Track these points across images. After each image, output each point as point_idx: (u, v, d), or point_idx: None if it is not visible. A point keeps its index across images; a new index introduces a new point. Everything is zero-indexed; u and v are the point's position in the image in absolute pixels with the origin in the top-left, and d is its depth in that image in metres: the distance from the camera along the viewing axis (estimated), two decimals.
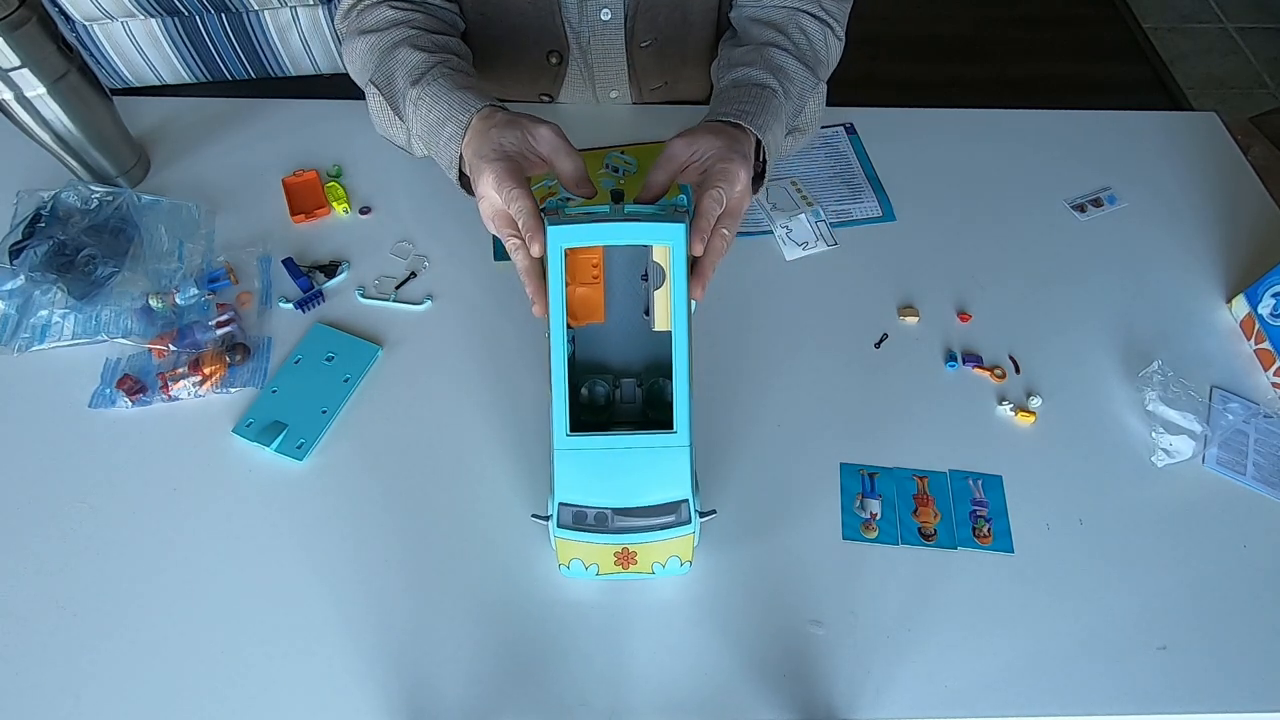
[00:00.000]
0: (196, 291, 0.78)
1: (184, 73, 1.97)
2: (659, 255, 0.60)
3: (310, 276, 0.81)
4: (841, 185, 0.92)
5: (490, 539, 0.67)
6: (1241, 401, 0.78)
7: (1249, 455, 0.74)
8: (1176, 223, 0.91)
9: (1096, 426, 0.76)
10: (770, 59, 0.77)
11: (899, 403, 0.76)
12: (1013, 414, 0.76)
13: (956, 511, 0.70)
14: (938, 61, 2.29)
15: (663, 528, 0.59)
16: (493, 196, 0.63)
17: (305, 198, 0.87)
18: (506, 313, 0.80)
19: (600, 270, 0.63)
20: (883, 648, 0.63)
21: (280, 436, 0.70)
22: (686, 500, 0.59)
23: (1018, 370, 0.79)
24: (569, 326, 0.60)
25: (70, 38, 0.79)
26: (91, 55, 1.87)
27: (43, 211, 0.80)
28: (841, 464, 0.72)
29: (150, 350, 0.75)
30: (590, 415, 0.66)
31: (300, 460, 0.70)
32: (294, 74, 2.02)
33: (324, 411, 0.73)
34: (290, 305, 0.80)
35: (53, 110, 0.79)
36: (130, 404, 0.72)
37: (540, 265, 0.61)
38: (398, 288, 0.82)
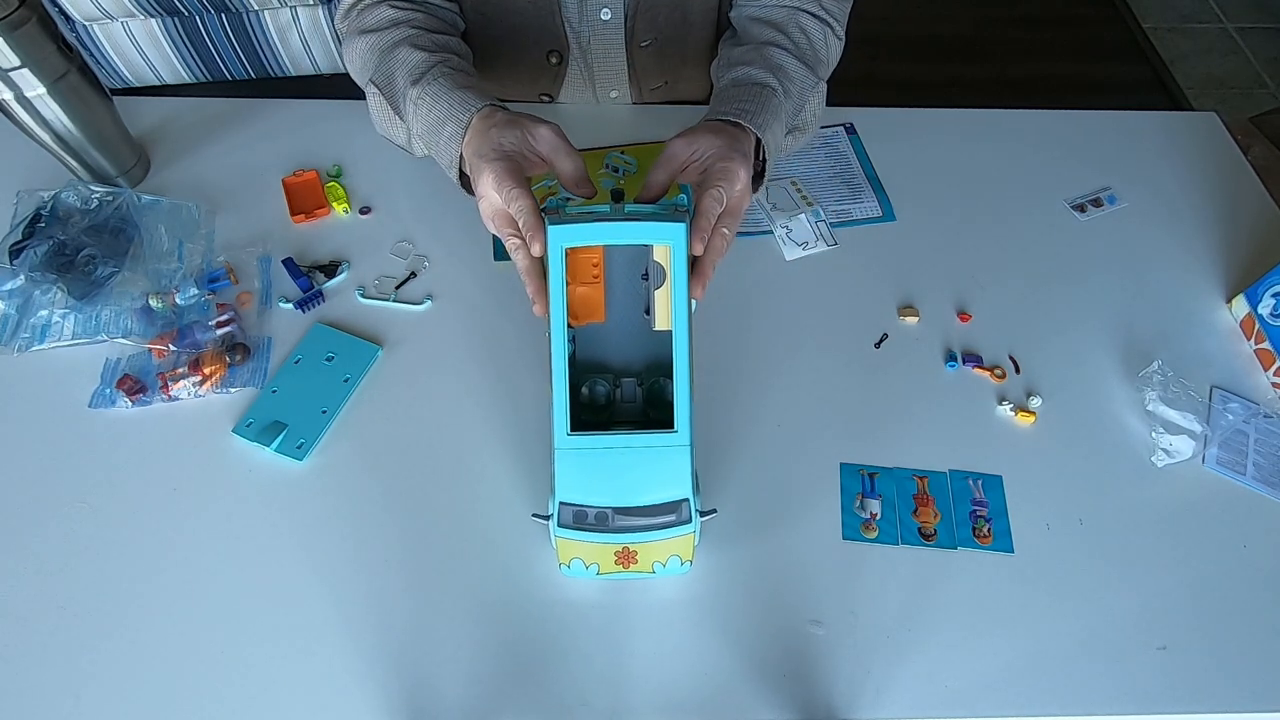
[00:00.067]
0: (196, 291, 0.78)
1: (184, 73, 1.97)
2: (659, 255, 0.60)
3: (310, 276, 0.81)
4: (841, 185, 0.92)
5: (490, 539, 0.67)
6: (1241, 401, 0.78)
7: (1249, 455, 0.74)
8: (1176, 223, 0.91)
9: (1096, 426, 0.76)
10: (770, 58, 0.77)
11: (899, 403, 0.76)
12: (1013, 414, 0.76)
13: (956, 511, 0.70)
14: (938, 61, 2.29)
15: (663, 527, 0.59)
16: (492, 196, 0.63)
17: (305, 198, 0.87)
18: (506, 313, 0.80)
19: (601, 270, 0.63)
20: (883, 648, 0.63)
21: (280, 436, 0.70)
22: (687, 499, 0.59)
23: (1018, 370, 0.79)
24: (569, 326, 0.60)
25: (70, 38, 0.79)
26: (91, 55, 1.87)
27: (43, 211, 0.80)
28: (841, 464, 0.72)
29: (150, 350, 0.75)
30: (591, 415, 0.66)
31: (300, 460, 0.70)
32: (294, 74, 2.02)
33: (324, 411, 0.73)
34: (290, 305, 0.80)
35: (53, 110, 0.79)
36: (130, 404, 0.72)
37: (541, 265, 0.61)
38: (398, 288, 0.82)
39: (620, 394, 0.66)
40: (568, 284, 0.59)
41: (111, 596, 0.63)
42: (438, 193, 0.87)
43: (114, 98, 0.85)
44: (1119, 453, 0.74)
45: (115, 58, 1.89)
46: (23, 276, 0.77)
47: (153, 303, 0.77)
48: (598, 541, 0.60)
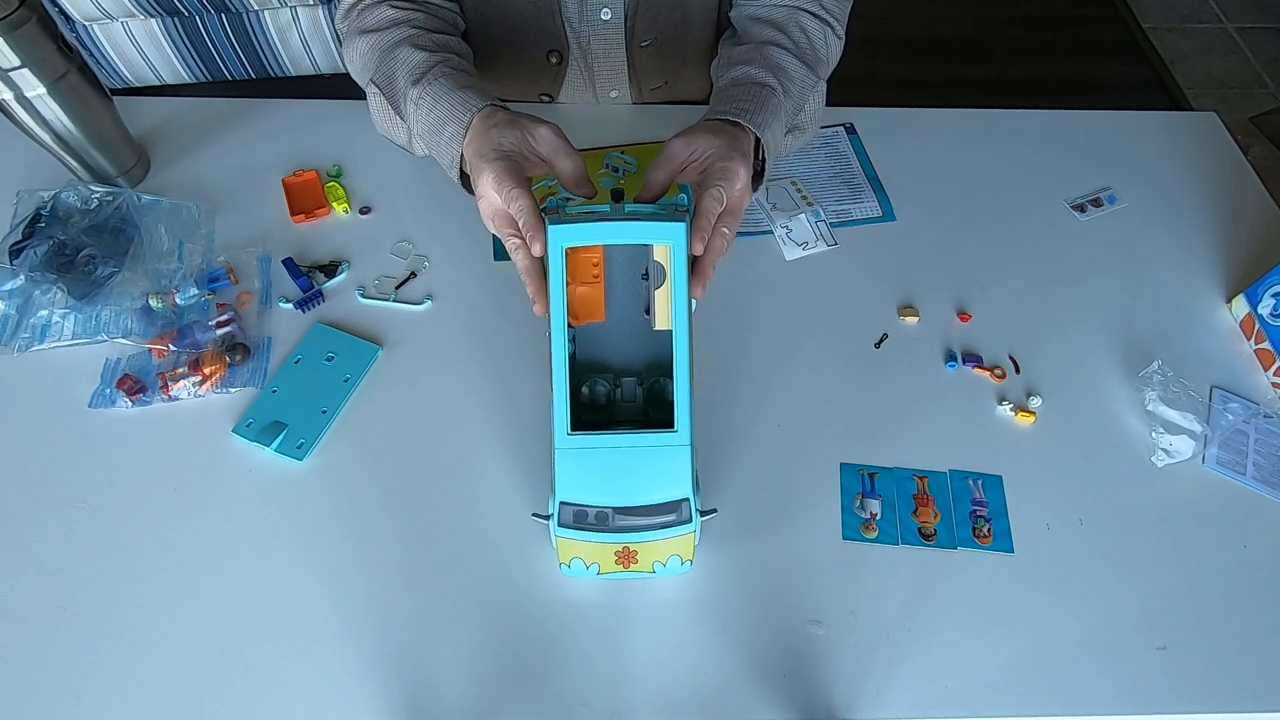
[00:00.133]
0: (196, 291, 0.78)
1: (184, 73, 1.97)
2: (659, 254, 0.60)
3: (310, 276, 0.81)
4: (841, 185, 0.92)
5: (490, 539, 0.67)
6: (1241, 401, 0.78)
7: (1249, 455, 0.74)
8: (1176, 223, 0.91)
9: (1096, 426, 0.76)
10: (770, 58, 0.77)
11: (899, 403, 0.76)
12: (1013, 414, 0.76)
13: (956, 511, 0.70)
14: (938, 61, 2.29)
15: (663, 526, 0.59)
16: (492, 196, 0.63)
17: (305, 198, 0.87)
18: (506, 313, 0.80)
19: (601, 269, 0.63)
20: (883, 648, 0.63)
21: (280, 436, 0.70)
22: (687, 499, 0.59)
23: (1018, 370, 0.79)
24: (570, 326, 0.60)
25: (70, 38, 0.79)
26: (91, 55, 1.87)
27: (43, 211, 0.80)
28: (841, 464, 0.72)
29: (150, 350, 0.75)
30: (591, 414, 0.66)
31: (300, 460, 0.70)
32: (294, 74, 2.02)
33: (324, 411, 0.73)
34: (290, 305, 0.80)
35: (53, 110, 0.79)
36: (130, 404, 0.72)
37: (541, 265, 0.61)
38: (398, 288, 0.82)
39: (620, 394, 0.66)
40: (568, 284, 0.59)
41: (111, 596, 0.63)
42: (438, 193, 0.87)
43: (114, 98, 0.85)
44: (1119, 453, 0.74)
45: (115, 58, 1.90)
46: (23, 276, 0.77)
47: (153, 303, 0.77)
48: (598, 541, 0.60)
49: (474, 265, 0.84)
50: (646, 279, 0.64)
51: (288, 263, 0.82)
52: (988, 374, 0.78)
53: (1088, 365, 0.79)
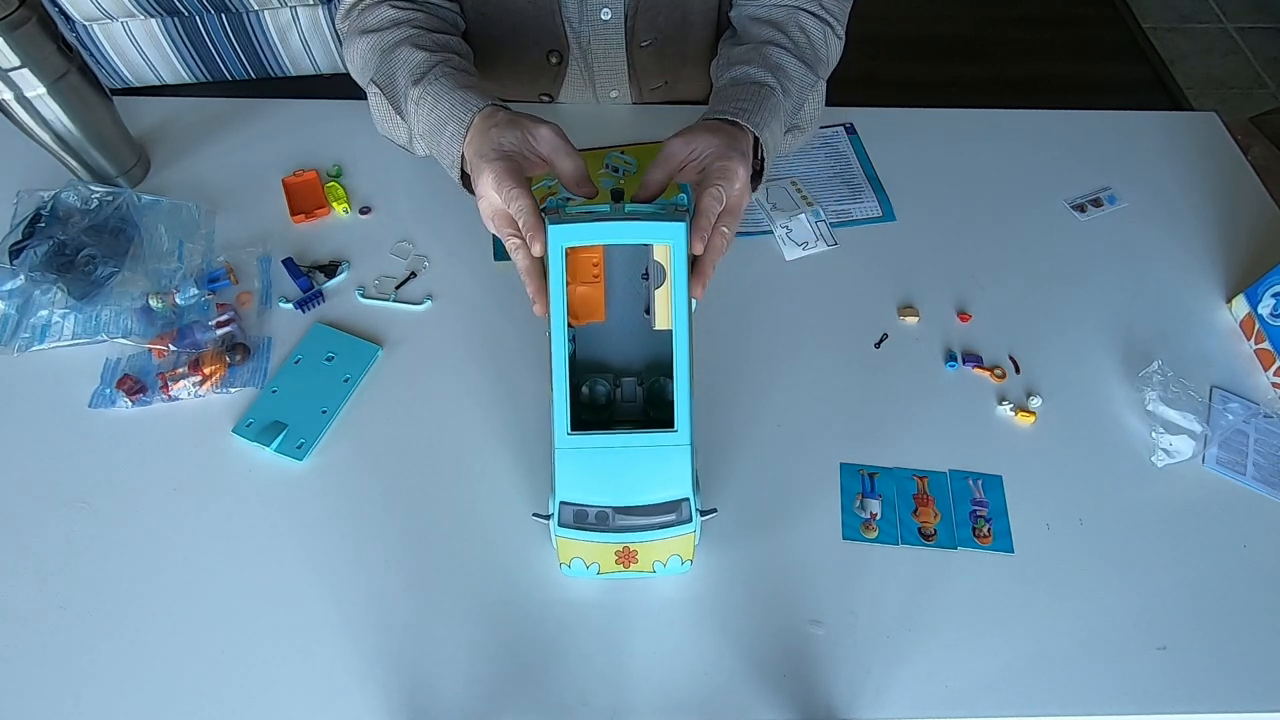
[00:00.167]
0: (196, 291, 0.78)
1: (184, 73, 1.97)
2: (659, 254, 0.60)
3: (310, 276, 0.81)
4: (841, 185, 0.92)
5: (490, 539, 0.67)
6: (1241, 401, 0.78)
7: (1249, 455, 0.74)
8: (1176, 223, 0.91)
9: (1096, 426, 0.76)
10: (769, 57, 0.77)
11: (899, 403, 0.76)
12: (1013, 414, 0.76)
13: (956, 511, 0.70)
14: (938, 61, 2.29)
15: (664, 526, 0.59)
16: (492, 196, 0.63)
17: (305, 198, 0.87)
18: (506, 313, 0.80)
19: (601, 269, 0.63)
20: (883, 648, 0.63)
21: (280, 436, 0.70)
22: (687, 499, 0.59)
23: (1018, 370, 0.79)
24: (570, 325, 0.60)
25: (70, 38, 0.79)
26: (91, 55, 1.87)
27: (43, 211, 0.80)
28: (841, 464, 0.72)
29: (150, 350, 0.75)
30: (591, 414, 0.66)
31: (300, 460, 0.70)
32: (294, 74, 2.02)
33: (324, 411, 0.73)
34: (290, 305, 0.80)
35: (53, 110, 0.79)
36: (130, 404, 0.72)
37: (541, 265, 0.61)
38: (398, 288, 0.82)
39: (620, 393, 0.66)
40: (568, 284, 0.59)
41: (111, 596, 0.63)
42: (438, 193, 0.87)
43: (114, 98, 0.85)
44: (1119, 453, 0.74)
45: (115, 58, 1.90)
46: (23, 276, 0.77)
47: (153, 303, 0.77)
48: (598, 541, 0.60)
49: (474, 265, 0.84)
50: (646, 279, 0.64)
51: (288, 263, 0.82)
52: (988, 374, 0.78)
53: (1088, 365, 0.79)
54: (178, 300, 0.78)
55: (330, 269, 0.82)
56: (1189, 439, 0.72)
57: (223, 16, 1.85)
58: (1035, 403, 0.76)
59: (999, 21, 2.40)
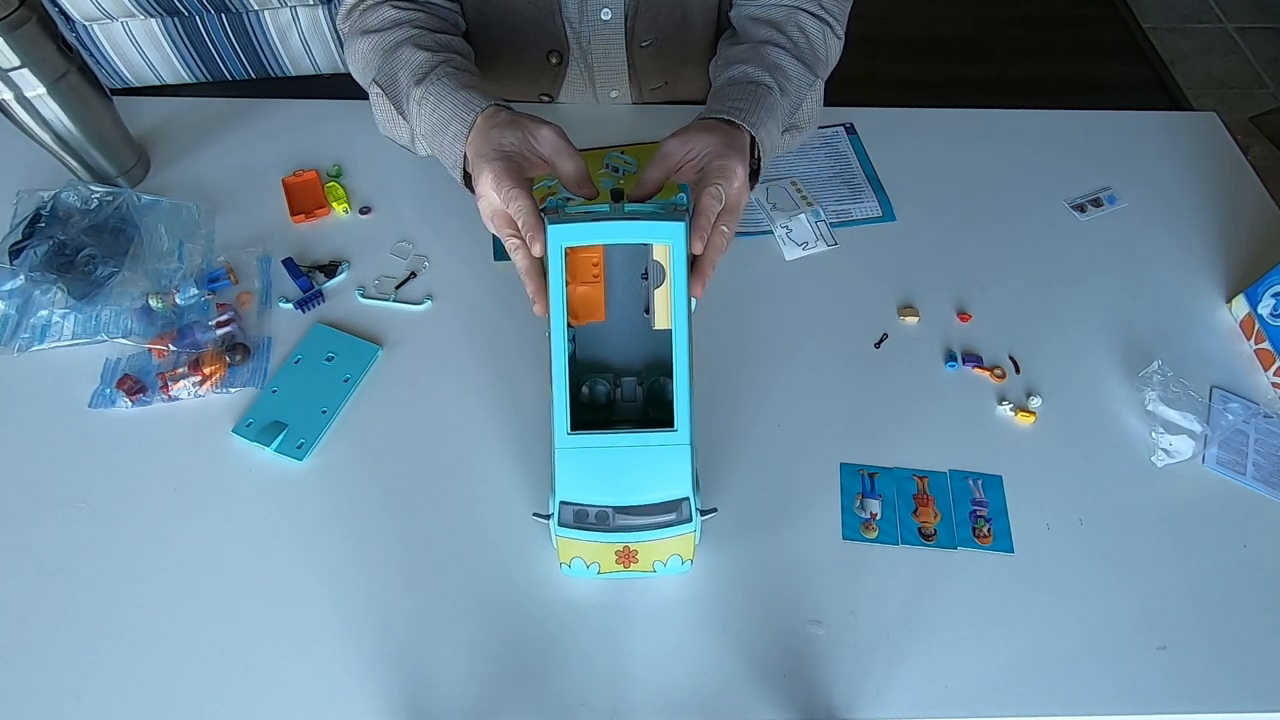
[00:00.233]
0: (196, 291, 0.78)
1: (184, 73, 1.97)
2: (659, 254, 0.60)
3: (310, 276, 0.81)
4: (841, 185, 0.92)
5: (490, 539, 0.67)
6: (1241, 401, 0.78)
7: (1249, 455, 0.74)
8: (1176, 223, 0.91)
9: (1096, 426, 0.75)
10: (767, 57, 0.77)
11: (899, 403, 0.76)
12: (1013, 414, 0.76)
13: (956, 511, 0.70)
14: (938, 61, 2.29)
15: (664, 526, 0.59)
16: (492, 196, 0.63)
17: (305, 198, 0.87)
18: (506, 313, 0.80)
19: (600, 269, 0.63)
20: (883, 648, 0.63)
21: (280, 436, 0.70)
22: (687, 498, 0.59)
23: (1018, 370, 0.79)
24: (569, 325, 0.60)
25: (70, 38, 0.79)
26: (91, 55, 1.87)
27: (43, 211, 0.80)
28: (841, 464, 0.72)
29: (150, 350, 0.75)
30: (591, 414, 0.66)
31: (300, 460, 0.70)
32: (294, 74, 2.02)
33: (324, 411, 0.73)
34: (290, 305, 0.80)
35: (53, 110, 0.79)
36: (130, 404, 0.72)
37: (540, 265, 0.61)
38: (398, 288, 0.82)
39: (620, 393, 0.66)
40: (568, 283, 0.59)
41: (111, 596, 0.63)
42: (438, 193, 0.87)
43: (114, 98, 0.85)
44: (1119, 453, 0.74)
45: (115, 58, 1.90)
46: (23, 276, 0.77)
47: (153, 303, 0.77)
48: (598, 541, 0.60)
49: (474, 265, 0.84)
50: (646, 278, 0.64)
51: (288, 263, 0.82)
52: (988, 374, 0.78)
53: (1088, 365, 0.79)
54: (178, 300, 0.78)
55: (330, 269, 0.82)
56: (1189, 439, 0.72)
57: (223, 16, 1.85)
58: (1035, 403, 0.76)
59: (999, 21, 2.40)
